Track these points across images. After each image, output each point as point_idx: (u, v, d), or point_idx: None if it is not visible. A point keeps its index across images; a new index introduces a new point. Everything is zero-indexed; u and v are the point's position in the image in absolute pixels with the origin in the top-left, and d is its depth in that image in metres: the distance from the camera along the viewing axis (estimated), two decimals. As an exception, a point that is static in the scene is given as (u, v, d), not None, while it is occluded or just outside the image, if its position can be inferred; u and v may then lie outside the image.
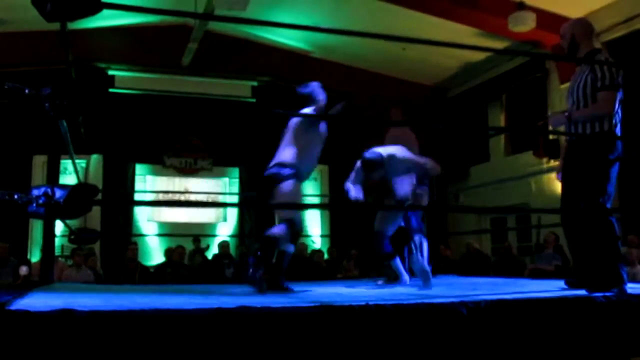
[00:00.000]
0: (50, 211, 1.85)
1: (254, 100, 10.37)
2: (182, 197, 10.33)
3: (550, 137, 8.41)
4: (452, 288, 3.55)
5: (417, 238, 4.49)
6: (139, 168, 10.15)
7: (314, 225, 10.81)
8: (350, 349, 1.89)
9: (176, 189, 10.12)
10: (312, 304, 2.05)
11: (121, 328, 1.69)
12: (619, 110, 3.15)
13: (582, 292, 2.76)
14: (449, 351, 2.01)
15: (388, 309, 2.00)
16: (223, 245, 8.36)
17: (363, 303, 2.03)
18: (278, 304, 2.05)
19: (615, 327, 2.34)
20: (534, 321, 2.18)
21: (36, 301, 2.35)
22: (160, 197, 9.96)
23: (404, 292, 3.29)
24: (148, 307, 1.90)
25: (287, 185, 3.57)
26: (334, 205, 12.37)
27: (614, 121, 3.12)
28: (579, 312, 2.30)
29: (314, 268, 8.36)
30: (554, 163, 8.22)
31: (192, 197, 10.04)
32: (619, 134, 3.16)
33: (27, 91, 1.89)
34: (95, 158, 9.50)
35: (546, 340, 2.18)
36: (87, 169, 9.38)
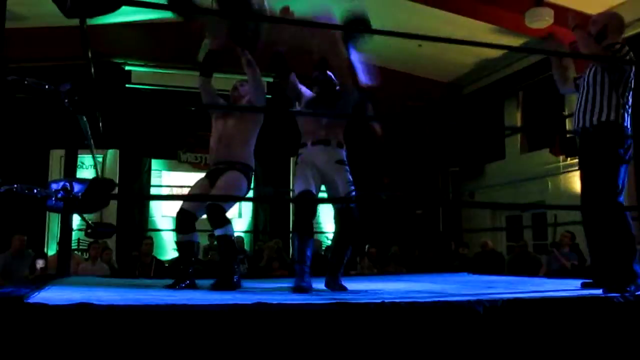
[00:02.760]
0: (69, 205, 1.86)
1: (269, 96, 10.34)
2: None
3: (567, 135, 8.33)
4: (468, 286, 3.54)
5: None
6: (155, 163, 10.23)
7: (327, 222, 10.79)
8: (365, 346, 1.89)
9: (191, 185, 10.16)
10: (328, 302, 2.05)
11: (138, 323, 1.70)
12: (624, 99, 3.06)
13: (599, 291, 2.73)
14: (465, 350, 2.00)
15: (403, 307, 2.00)
16: (237, 241, 8.34)
17: (379, 301, 2.03)
18: (294, 301, 2.05)
19: (633, 327, 2.31)
20: (551, 321, 2.16)
21: (53, 294, 2.38)
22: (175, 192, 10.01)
23: (420, 289, 3.28)
24: (164, 302, 1.91)
25: None
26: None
27: (621, 110, 3.04)
28: (596, 312, 2.28)
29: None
30: (570, 161, 8.13)
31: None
32: (627, 124, 3.09)
33: (46, 87, 1.91)
34: (111, 153, 9.58)
35: (563, 340, 2.16)
36: (103, 163, 9.45)
